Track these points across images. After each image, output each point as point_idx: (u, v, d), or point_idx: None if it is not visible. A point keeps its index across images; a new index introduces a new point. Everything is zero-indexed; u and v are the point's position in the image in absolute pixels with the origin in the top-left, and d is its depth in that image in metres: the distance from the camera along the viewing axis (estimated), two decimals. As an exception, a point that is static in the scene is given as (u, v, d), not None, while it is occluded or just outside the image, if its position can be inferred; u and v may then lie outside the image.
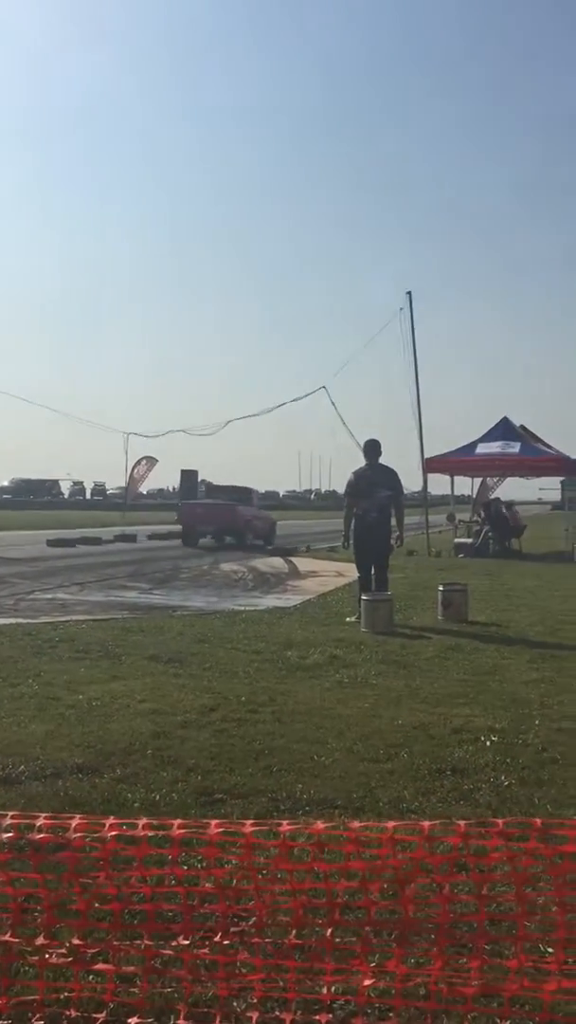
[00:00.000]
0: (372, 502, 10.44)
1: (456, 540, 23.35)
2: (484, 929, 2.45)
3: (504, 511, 23.98)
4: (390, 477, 10.65)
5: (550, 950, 2.57)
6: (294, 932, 2.42)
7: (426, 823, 2.32)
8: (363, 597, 9.89)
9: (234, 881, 2.50)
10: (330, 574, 16.44)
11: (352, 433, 24.06)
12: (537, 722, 5.67)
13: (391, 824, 2.28)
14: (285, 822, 2.33)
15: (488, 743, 5.18)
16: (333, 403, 24.87)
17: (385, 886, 2.54)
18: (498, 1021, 2.39)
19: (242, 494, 26.46)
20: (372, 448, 10.72)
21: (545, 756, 4.93)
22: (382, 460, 10.71)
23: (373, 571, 10.64)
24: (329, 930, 2.42)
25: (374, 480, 10.50)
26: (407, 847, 2.92)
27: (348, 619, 10.23)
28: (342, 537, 10.98)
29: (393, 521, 10.65)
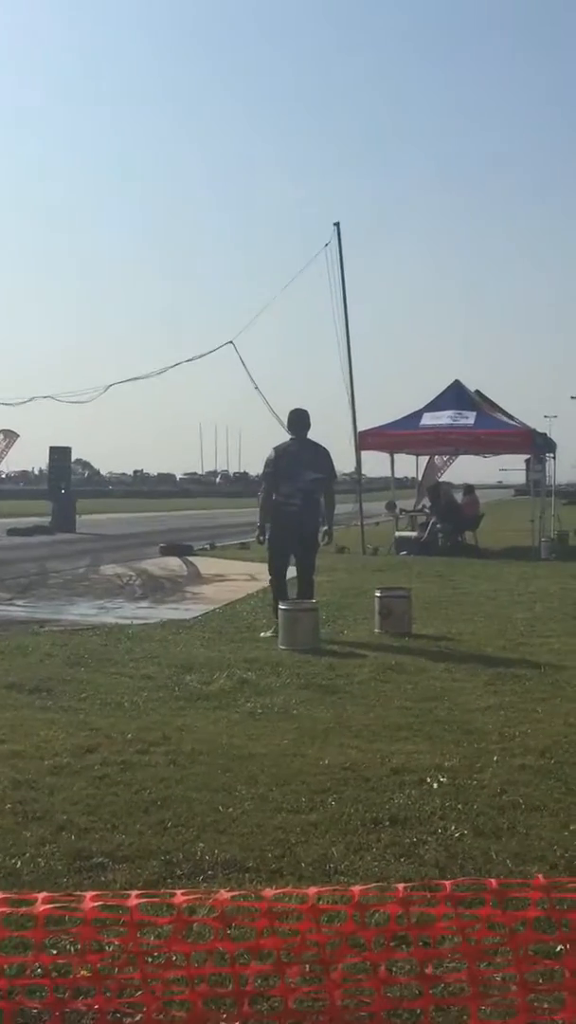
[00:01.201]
0: (296, 486, 10.44)
1: (398, 534, 23.65)
2: (430, 1017, 2.49)
3: (463, 496, 24.40)
4: (320, 457, 10.69)
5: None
6: (192, 1030, 2.42)
7: (356, 888, 2.35)
8: (281, 606, 9.93)
9: (116, 969, 2.48)
10: (240, 577, 16.46)
11: (267, 401, 24.10)
12: (495, 758, 5.78)
13: (312, 891, 2.30)
14: (180, 892, 2.32)
15: (435, 785, 5.26)
16: (243, 362, 24.72)
17: (307, 968, 2.56)
18: None
19: None
20: (299, 420, 10.76)
21: (504, 800, 5.04)
22: (311, 435, 10.77)
23: (296, 573, 10.70)
24: (236, 1026, 2.43)
25: (300, 459, 10.52)
26: (334, 918, 2.95)
27: (263, 634, 10.26)
28: (257, 529, 10.96)
29: (322, 513, 10.72)
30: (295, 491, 10.43)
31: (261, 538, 10.87)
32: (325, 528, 10.76)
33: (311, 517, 10.59)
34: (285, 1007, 2.39)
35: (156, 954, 2.46)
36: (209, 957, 2.47)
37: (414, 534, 23.30)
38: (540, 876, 2.50)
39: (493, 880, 2.39)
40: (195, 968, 2.40)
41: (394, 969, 2.99)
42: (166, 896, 2.41)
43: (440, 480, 26.61)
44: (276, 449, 10.69)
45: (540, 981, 3.06)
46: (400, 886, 2.36)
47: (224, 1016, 2.53)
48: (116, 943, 2.51)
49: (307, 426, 10.74)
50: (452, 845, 4.44)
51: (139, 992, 2.46)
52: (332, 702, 7.28)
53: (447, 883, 2.39)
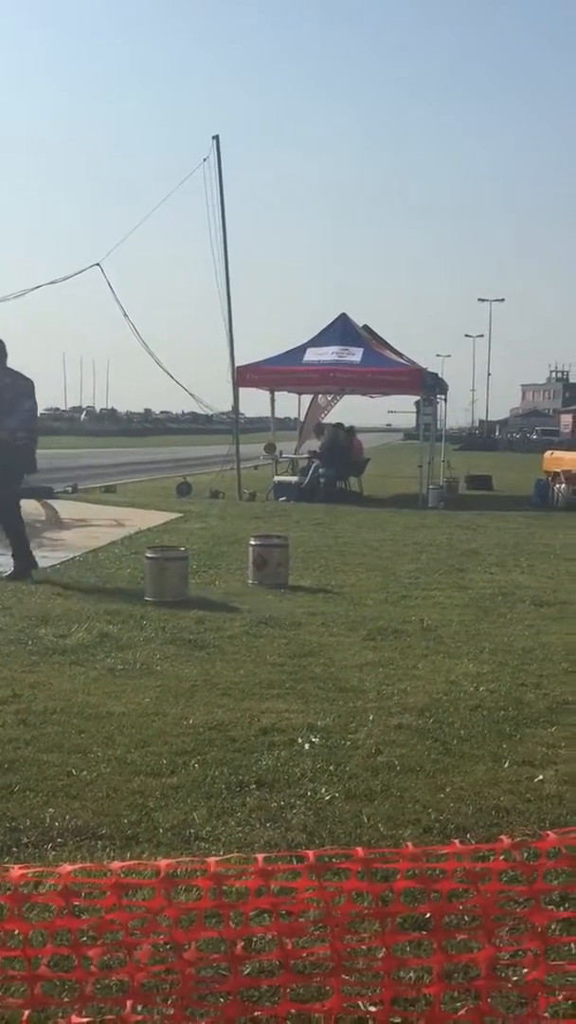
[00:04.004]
0: (20, 419, 10.58)
1: (276, 478, 23.68)
2: (289, 993, 2.50)
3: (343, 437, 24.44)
4: (29, 387, 10.83)
5: (372, 1008, 2.67)
6: (27, 1014, 2.37)
7: (212, 859, 2.32)
8: (148, 554, 9.88)
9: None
10: (105, 523, 16.29)
11: (136, 328, 23.72)
12: (371, 717, 5.87)
13: (164, 863, 2.27)
14: (15, 866, 2.27)
15: (306, 746, 5.31)
16: (111, 287, 24.18)
17: (164, 943, 2.54)
18: None
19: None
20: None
21: (379, 761, 5.12)
22: None
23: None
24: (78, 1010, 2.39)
25: (15, 389, 10.62)
26: (190, 892, 2.93)
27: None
28: None
29: None
30: (20, 424, 10.56)
31: None
32: None
33: (31, 453, 10.81)
34: (132, 988, 2.36)
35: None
36: (49, 937, 2.43)
37: (294, 479, 23.35)
38: (410, 844, 2.52)
39: (360, 849, 2.40)
40: (32, 949, 2.35)
41: (254, 945, 3.01)
42: (1, 870, 2.34)
43: (324, 420, 26.57)
44: None
45: (408, 950, 3.13)
46: (259, 856, 2.35)
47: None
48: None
49: (6, 356, 10.79)
50: (322, 809, 4.49)
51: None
52: (200, 658, 7.26)
53: (310, 853, 2.38)
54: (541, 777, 4.96)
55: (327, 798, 4.61)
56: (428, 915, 2.77)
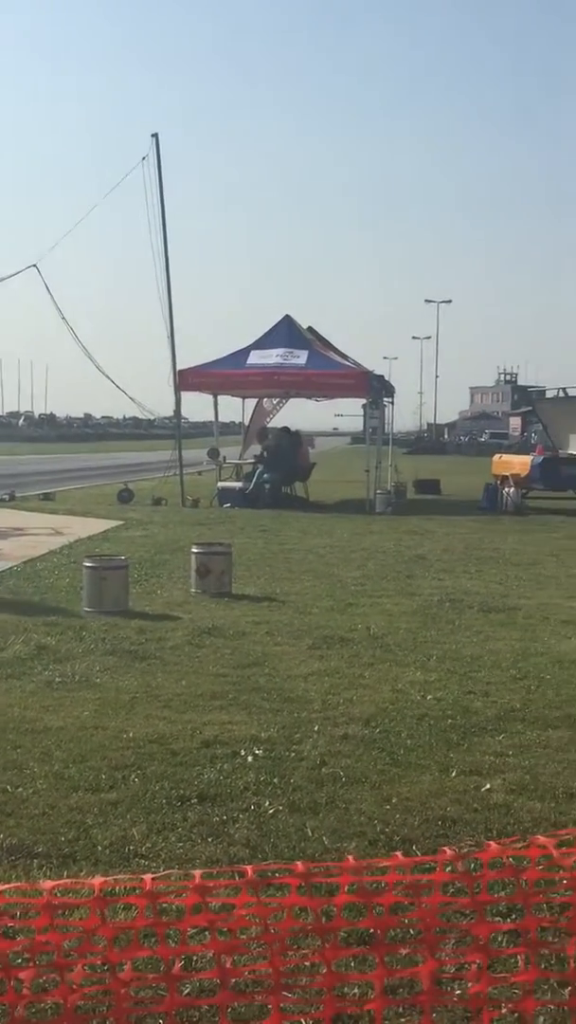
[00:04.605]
0: None
1: (220, 484, 23.64)
2: (226, 1012, 2.49)
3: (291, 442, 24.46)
4: None
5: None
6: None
7: (148, 876, 2.31)
8: (86, 563, 9.83)
9: None
10: (43, 532, 16.18)
11: (74, 331, 23.63)
12: (316, 728, 5.88)
13: (98, 881, 2.25)
14: (-57, 888, 2.24)
15: (250, 758, 5.32)
16: (48, 289, 24.03)
17: (99, 964, 2.53)
18: None
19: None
20: None
21: (324, 773, 5.13)
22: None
23: None
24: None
25: None
26: (128, 911, 2.92)
27: None
28: None
29: None
30: None
31: None
32: None
33: None
34: (66, 1011, 2.34)
35: None
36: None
37: (239, 484, 23.32)
38: (351, 857, 2.52)
39: (299, 864, 2.40)
40: (-39, 973, 2.32)
41: (193, 964, 3.01)
42: None
43: (268, 424, 26.58)
44: None
45: (352, 965, 3.14)
46: (197, 873, 2.34)
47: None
48: None
49: None
50: (265, 822, 4.49)
51: None
52: (141, 669, 7.24)
53: (248, 868, 2.38)
54: (488, 786, 5.00)
55: (271, 811, 4.61)
56: (371, 930, 2.77)
